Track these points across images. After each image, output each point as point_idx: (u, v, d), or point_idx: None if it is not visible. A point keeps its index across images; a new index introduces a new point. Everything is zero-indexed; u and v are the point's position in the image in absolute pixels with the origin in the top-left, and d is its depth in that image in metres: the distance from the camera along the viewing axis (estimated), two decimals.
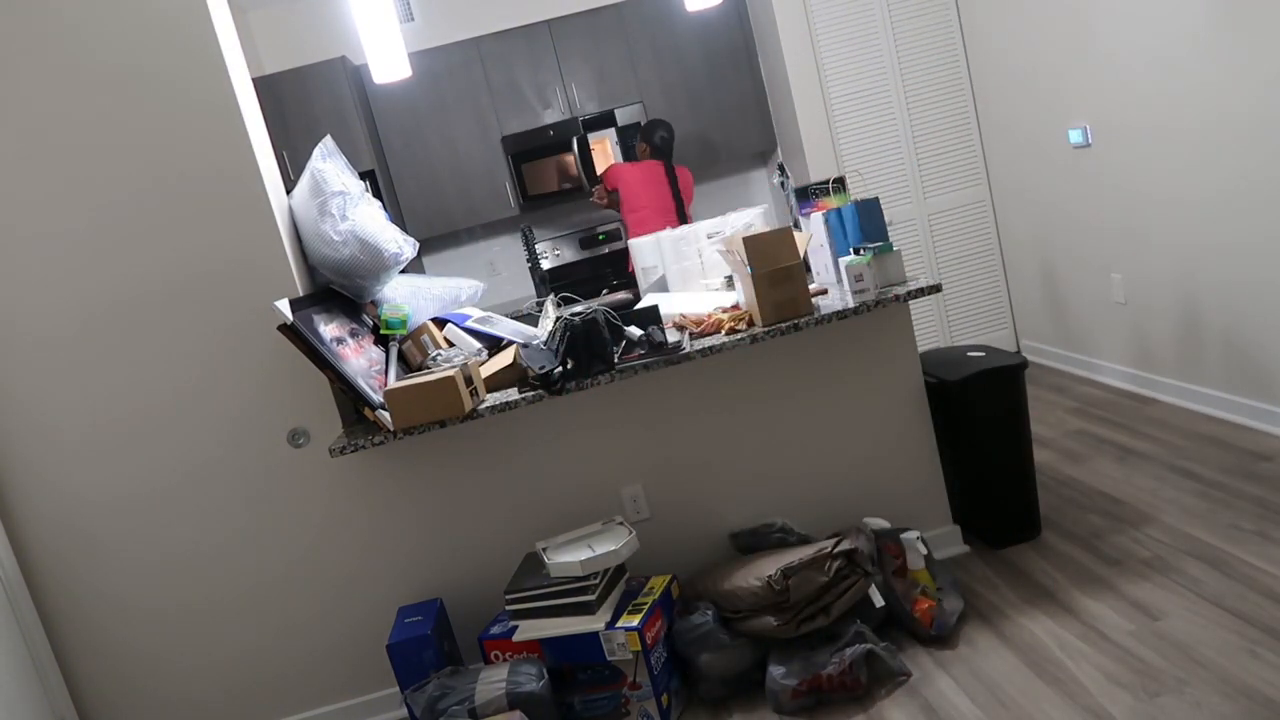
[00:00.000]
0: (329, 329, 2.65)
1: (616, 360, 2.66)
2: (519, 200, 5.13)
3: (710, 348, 2.64)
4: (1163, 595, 2.59)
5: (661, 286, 3.42)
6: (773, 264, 2.68)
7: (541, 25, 5.00)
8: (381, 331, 2.81)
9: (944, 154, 4.94)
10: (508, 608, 2.58)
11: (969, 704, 2.34)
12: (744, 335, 2.67)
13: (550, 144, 5.06)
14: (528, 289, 5.48)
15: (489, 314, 3.17)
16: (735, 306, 2.93)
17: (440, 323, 3.06)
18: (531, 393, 2.61)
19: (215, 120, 2.65)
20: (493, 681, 2.41)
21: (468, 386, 2.57)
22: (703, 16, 5.03)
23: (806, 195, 3.25)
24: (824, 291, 3.02)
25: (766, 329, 2.67)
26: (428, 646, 2.57)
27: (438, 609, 2.74)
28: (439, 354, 2.86)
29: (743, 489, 2.95)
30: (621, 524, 2.70)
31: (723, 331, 2.77)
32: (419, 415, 2.52)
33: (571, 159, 5.07)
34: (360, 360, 2.67)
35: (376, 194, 4.69)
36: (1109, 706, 2.20)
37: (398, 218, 4.99)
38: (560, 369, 2.59)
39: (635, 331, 2.69)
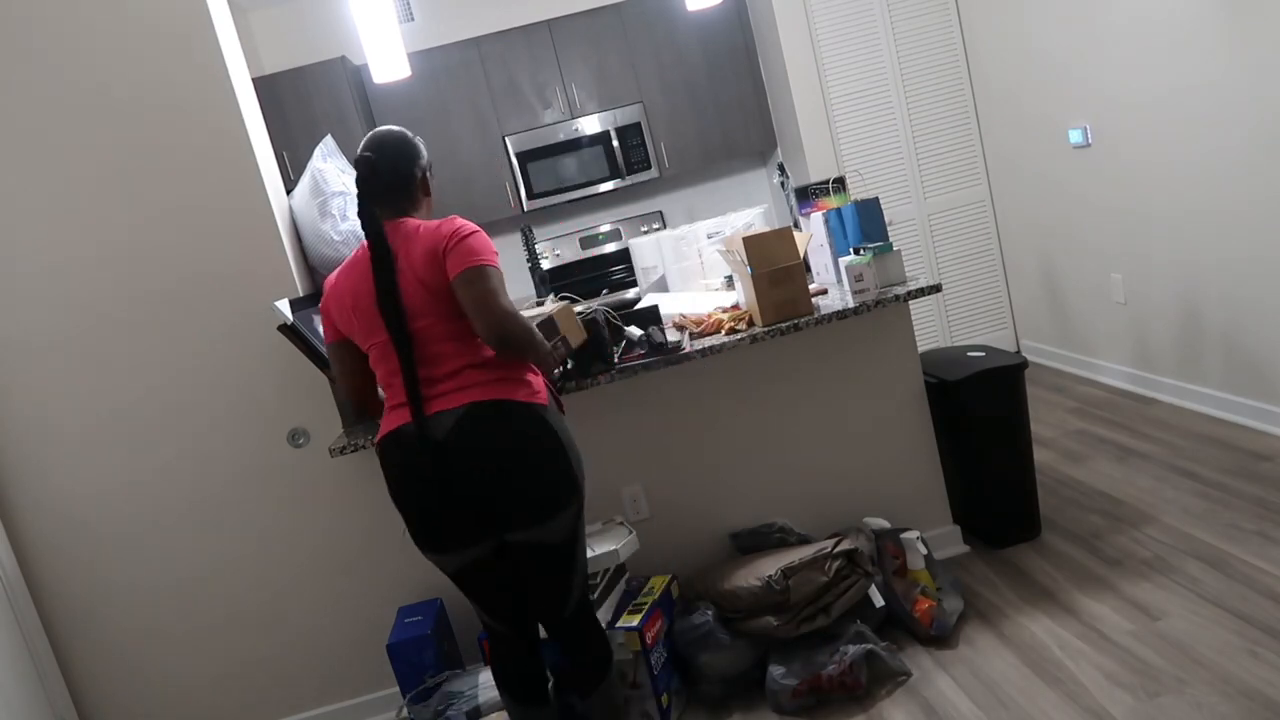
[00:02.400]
0: None
1: (616, 360, 2.66)
2: (522, 199, 5.13)
3: (710, 348, 2.64)
4: (1163, 595, 2.59)
5: (661, 287, 3.42)
6: (772, 264, 2.68)
7: (541, 25, 5.00)
8: None
9: (944, 154, 4.94)
10: None
11: (969, 704, 2.34)
12: (744, 335, 2.67)
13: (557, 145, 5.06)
14: (528, 289, 5.48)
15: None
16: (735, 306, 2.93)
17: None
18: None
19: (215, 120, 2.65)
20: (495, 685, 2.40)
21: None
22: (703, 16, 5.03)
23: (806, 195, 3.25)
24: (824, 291, 3.02)
25: (766, 329, 2.67)
26: (428, 646, 2.57)
27: (438, 609, 2.74)
28: None
29: (743, 489, 2.95)
30: (621, 524, 2.69)
31: (723, 331, 2.77)
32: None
33: None
34: None
35: None
36: (1109, 707, 2.20)
37: None
38: (560, 369, 2.59)
39: (635, 331, 2.68)
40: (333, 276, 2.10)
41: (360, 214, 1.99)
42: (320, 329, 2.60)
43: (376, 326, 1.99)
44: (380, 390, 2.13)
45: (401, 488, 2.02)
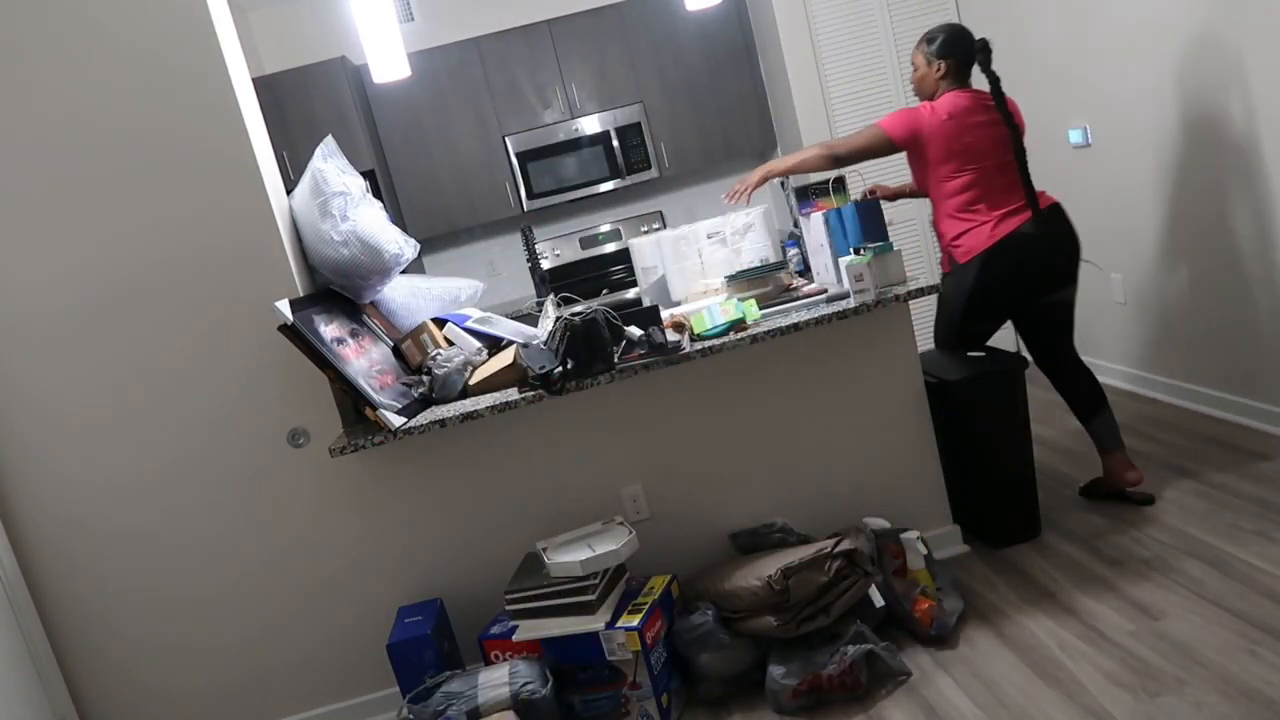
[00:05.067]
0: (329, 329, 2.65)
1: (616, 360, 2.66)
2: (523, 199, 5.13)
3: (710, 348, 2.64)
4: (1163, 595, 2.59)
5: (662, 286, 3.42)
6: None
7: (541, 25, 5.00)
8: None
9: None
10: (508, 608, 2.58)
11: (969, 704, 2.34)
12: (744, 335, 2.67)
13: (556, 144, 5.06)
14: (528, 289, 5.48)
15: (489, 314, 3.17)
16: None
17: (440, 323, 3.06)
18: (531, 393, 2.60)
19: (215, 120, 2.65)
20: (495, 685, 2.40)
21: None
22: (703, 16, 5.03)
23: (806, 195, 3.25)
24: (823, 291, 3.01)
25: (767, 329, 2.66)
26: (428, 646, 2.57)
27: (438, 609, 2.74)
28: (439, 354, 2.86)
29: (743, 489, 2.95)
30: (621, 524, 2.70)
31: None
32: None
33: None
34: (361, 360, 2.67)
35: (376, 194, 4.68)
36: (1109, 706, 2.20)
37: (398, 218, 4.99)
38: (560, 369, 2.59)
39: (635, 331, 2.68)
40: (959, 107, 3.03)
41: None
42: (320, 329, 2.61)
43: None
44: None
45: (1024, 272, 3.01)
